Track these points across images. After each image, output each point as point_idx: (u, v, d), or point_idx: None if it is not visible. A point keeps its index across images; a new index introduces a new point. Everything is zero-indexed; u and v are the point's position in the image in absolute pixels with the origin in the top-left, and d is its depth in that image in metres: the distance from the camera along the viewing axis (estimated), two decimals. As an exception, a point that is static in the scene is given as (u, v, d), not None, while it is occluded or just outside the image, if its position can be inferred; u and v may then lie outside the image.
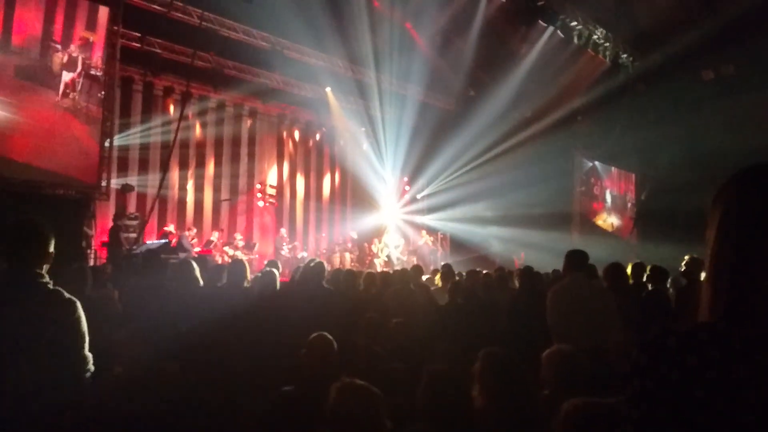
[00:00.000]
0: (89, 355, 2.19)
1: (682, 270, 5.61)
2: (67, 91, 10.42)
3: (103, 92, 10.86)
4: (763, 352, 0.82)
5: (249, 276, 4.60)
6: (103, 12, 10.77)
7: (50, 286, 2.15)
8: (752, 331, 0.84)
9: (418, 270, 6.85)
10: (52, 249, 2.18)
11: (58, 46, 10.26)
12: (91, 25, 10.71)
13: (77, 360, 2.14)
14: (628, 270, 5.76)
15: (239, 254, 12.75)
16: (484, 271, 7.36)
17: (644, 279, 5.60)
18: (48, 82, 10.20)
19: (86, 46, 10.66)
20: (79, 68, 10.51)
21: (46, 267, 2.17)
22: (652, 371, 0.88)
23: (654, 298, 4.98)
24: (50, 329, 2.06)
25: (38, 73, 10.06)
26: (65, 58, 10.36)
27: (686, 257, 5.56)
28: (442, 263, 9.41)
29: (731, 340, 0.84)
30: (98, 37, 10.83)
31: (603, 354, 3.18)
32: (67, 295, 2.16)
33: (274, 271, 4.80)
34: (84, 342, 2.16)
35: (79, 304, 2.16)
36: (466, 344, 3.35)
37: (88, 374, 2.18)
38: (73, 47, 10.43)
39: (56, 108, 10.23)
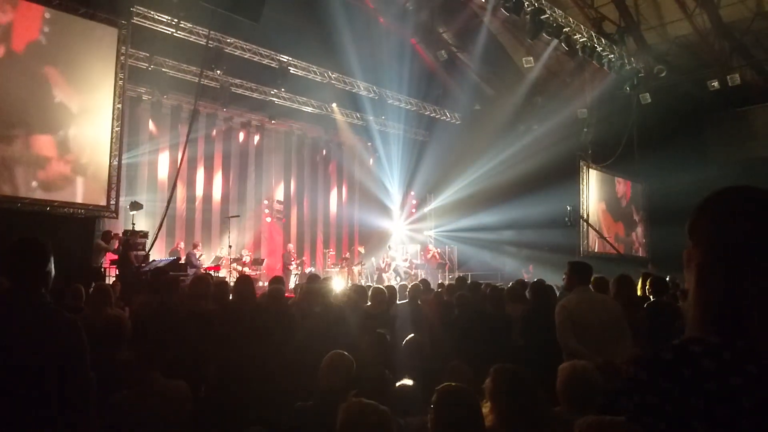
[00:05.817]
0: (91, 374, 2.18)
1: None
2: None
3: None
4: (754, 362, 0.88)
5: (256, 291, 4.61)
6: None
7: (51, 305, 2.15)
8: (741, 344, 0.90)
9: (425, 284, 6.82)
10: (51, 268, 2.18)
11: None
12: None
13: (79, 379, 2.13)
14: (639, 282, 5.73)
15: (247, 270, 12.76)
16: (494, 284, 7.31)
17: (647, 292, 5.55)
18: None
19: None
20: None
21: (46, 285, 2.17)
22: (651, 385, 0.91)
23: (656, 309, 4.90)
24: (52, 349, 2.05)
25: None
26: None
27: None
28: (456, 275, 9.37)
29: (723, 352, 0.90)
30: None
31: (614, 369, 3.14)
32: (66, 314, 2.16)
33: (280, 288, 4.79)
34: (85, 361, 2.15)
35: (79, 324, 2.16)
36: (475, 360, 3.31)
37: (90, 393, 2.17)
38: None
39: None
